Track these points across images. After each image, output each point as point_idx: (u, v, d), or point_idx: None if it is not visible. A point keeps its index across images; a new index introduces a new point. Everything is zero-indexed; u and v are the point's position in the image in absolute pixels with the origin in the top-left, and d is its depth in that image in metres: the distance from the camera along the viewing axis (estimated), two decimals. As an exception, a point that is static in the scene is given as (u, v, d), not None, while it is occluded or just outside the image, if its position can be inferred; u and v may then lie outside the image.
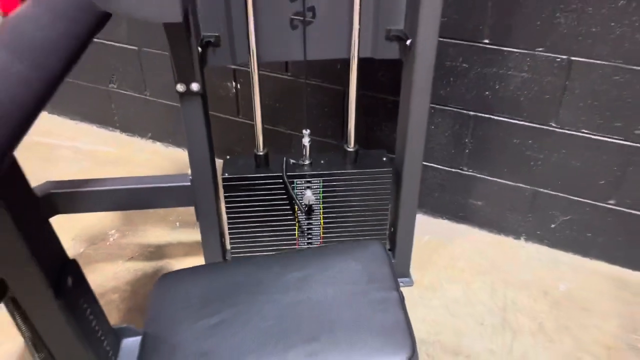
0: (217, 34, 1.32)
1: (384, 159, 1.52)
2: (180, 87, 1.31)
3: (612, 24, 1.40)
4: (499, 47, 1.55)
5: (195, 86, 1.31)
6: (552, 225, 1.75)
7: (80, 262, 0.74)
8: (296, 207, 1.49)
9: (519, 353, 1.46)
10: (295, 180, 1.47)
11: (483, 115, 1.67)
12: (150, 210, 1.91)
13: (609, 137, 1.54)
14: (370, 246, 1.01)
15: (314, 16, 1.34)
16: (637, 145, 1.52)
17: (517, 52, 1.54)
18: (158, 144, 2.34)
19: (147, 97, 2.24)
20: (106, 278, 1.69)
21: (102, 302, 0.81)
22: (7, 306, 0.68)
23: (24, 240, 0.61)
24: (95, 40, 0.71)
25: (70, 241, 1.83)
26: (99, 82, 2.30)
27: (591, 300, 1.61)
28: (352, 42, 1.34)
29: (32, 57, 0.56)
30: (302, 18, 1.33)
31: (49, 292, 0.66)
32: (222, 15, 1.30)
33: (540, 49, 1.51)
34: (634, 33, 1.39)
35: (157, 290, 0.96)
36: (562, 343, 1.48)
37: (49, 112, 2.51)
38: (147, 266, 1.74)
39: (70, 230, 1.86)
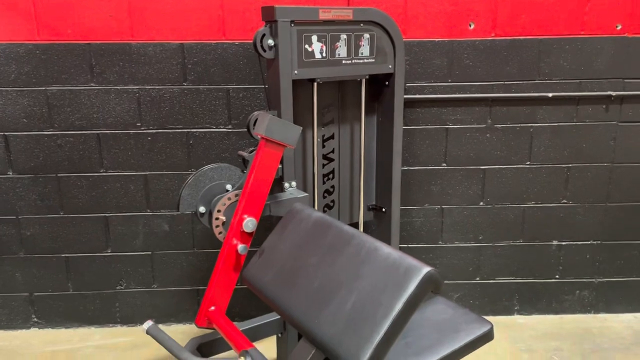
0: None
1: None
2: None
3: (449, 190, 2.85)
4: (408, 208, 2.86)
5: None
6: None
7: None
8: None
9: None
10: None
11: (407, 245, 2.90)
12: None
13: (466, 244, 2.93)
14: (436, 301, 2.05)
15: (334, 204, 2.45)
16: (484, 245, 2.93)
17: (415, 208, 2.86)
18: (160, 325, 2.89)
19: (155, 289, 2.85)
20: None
21: None
22: None
23: None
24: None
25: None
26: (106, 288, 2.82)
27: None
28: (360, 213, 2.48)
29: None
30: (331, 205, 2.43)
31: None
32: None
33: (427, 204, 2.86)
34: (468, 189, 2.86)
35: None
36: None
37: (41, 328, 2.82)
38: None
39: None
